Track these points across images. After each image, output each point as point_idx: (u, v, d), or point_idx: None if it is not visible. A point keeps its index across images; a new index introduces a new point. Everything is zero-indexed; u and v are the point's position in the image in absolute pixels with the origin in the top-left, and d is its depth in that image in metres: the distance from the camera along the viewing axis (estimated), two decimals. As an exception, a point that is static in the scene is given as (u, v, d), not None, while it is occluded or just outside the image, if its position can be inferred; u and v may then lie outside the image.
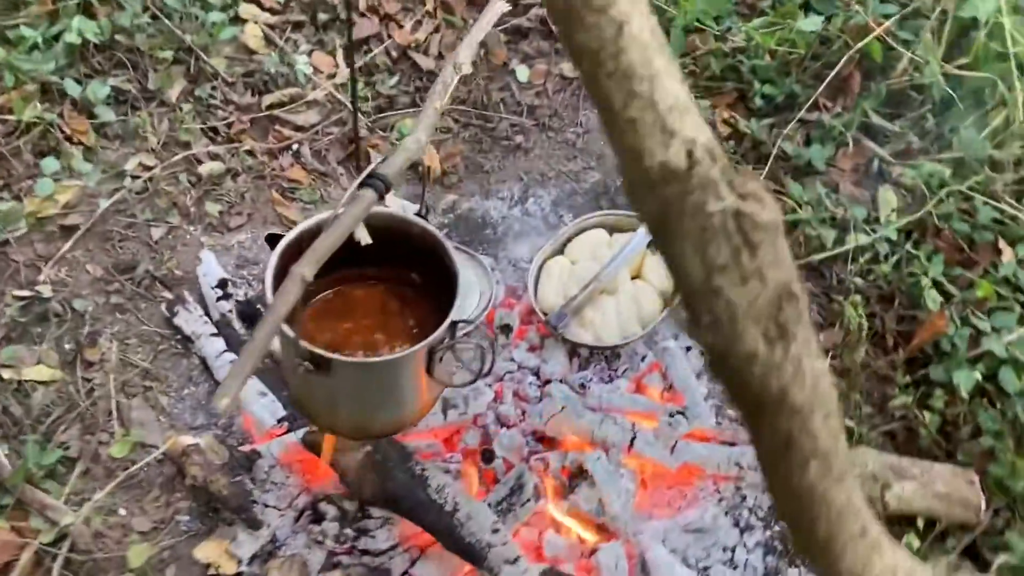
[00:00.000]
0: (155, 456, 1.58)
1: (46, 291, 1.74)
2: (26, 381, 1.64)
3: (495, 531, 1.51)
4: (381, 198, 1.19)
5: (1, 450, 1.55)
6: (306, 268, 1.04)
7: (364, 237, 1.18)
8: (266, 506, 1.58)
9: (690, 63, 2.27)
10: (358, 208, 1.15)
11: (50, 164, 1.88)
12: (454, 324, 1.32)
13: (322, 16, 2.28)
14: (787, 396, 0.59)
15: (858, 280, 1.93)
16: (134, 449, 1.59)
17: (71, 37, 1.98)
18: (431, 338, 1.25)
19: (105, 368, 1.67)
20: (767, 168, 2.05)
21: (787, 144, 2.08)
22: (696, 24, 2.28)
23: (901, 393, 1.75)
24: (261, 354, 0.97)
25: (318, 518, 1.56)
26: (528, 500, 1.61)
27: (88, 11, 2.06)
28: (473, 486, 1.64)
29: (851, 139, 2.11)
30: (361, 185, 1.18)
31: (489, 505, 1.58)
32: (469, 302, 1.91)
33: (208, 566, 1.50)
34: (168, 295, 1.80)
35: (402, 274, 1.45)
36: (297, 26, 2.29)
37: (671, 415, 1.72)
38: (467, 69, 1.37)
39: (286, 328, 1.15)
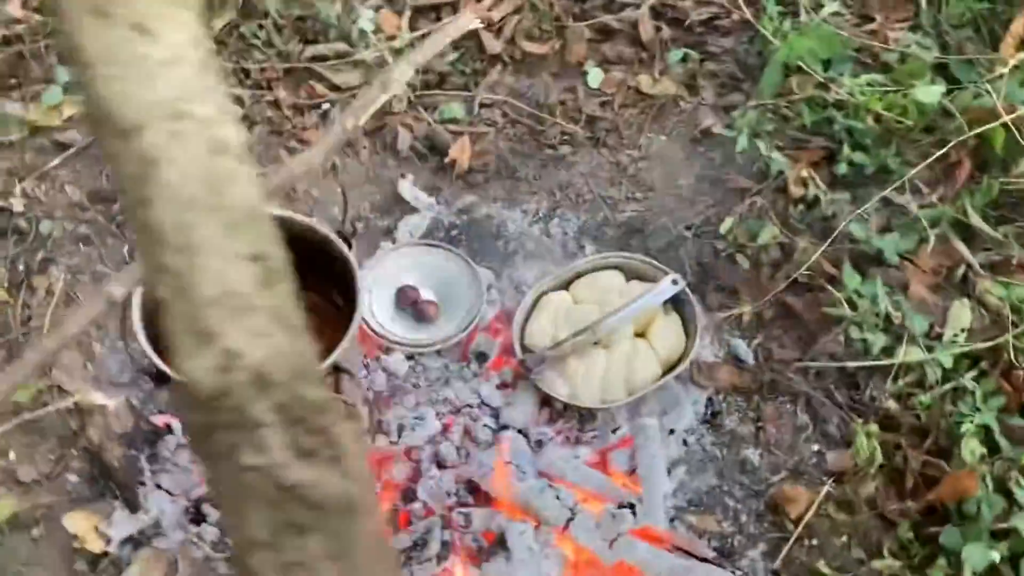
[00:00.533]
0: (63, 406, 1.49)
1: (17, 204, 1.67)
2: (-35, 294, 1.58)
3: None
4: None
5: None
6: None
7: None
8: (158, 487, 1.47)
9: (782, 106, 1.99)
10: None
11: (64, 74, 1.80)
12: (337, 370, 1.14)
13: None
14: None
15: (892, 403, 1.64)
16: (44, 393, 1.50)
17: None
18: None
19: (48, 300, 1.59)
20: (826, 245, 1.76)
21: (859, 225, 1.78)
22: (799, 63, 1.99)
23: (893, 553, 1.47)
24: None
25: (200, 518, 1.43)
26: (430, 558, 1.43)
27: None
28: (378, 526, 1.49)
29: (938, 235, 1.79)
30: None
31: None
32: (452, 315, 1.74)
33: (75, 537, 1.40)
34: (137, 237, 1.70)
35: (326, 293, 1.29)
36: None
37: (620, 505, 1.51)
38: (397, 89, 1.16)
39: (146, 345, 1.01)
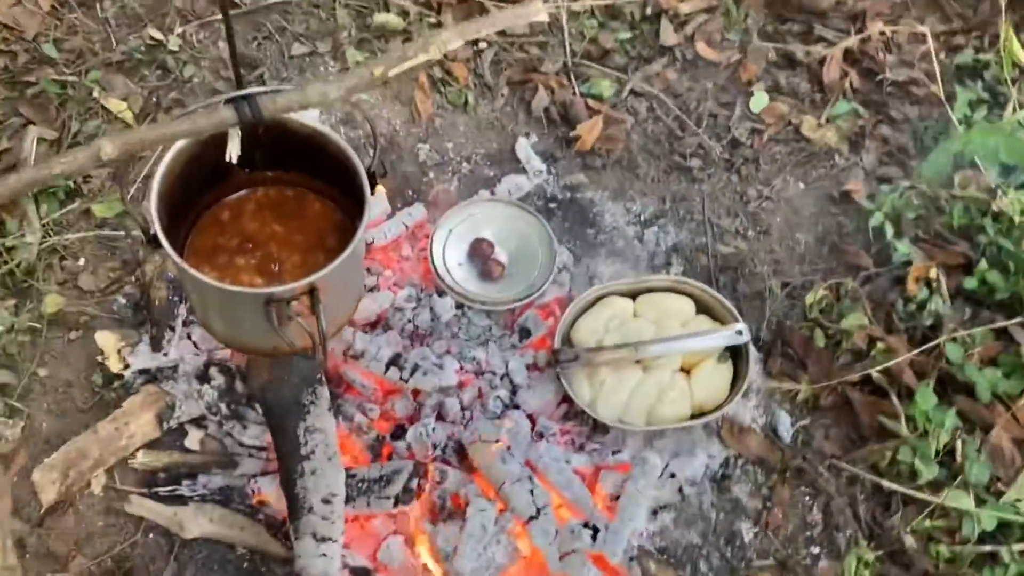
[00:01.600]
0: (135, 235, 1.61)
1: (173, 43, 1.79)
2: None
3: (326, 501, 1.40)
4: (242, 124, 1.03)
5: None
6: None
7: (234, 152, 1.04)
8: (188, 337, 1.58)
9: (939, 197, 1.83)
10: (204, 120, 1.01)
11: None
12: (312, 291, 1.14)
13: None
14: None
15: (912, 541, 1.51)
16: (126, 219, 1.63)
17: None
18: (278, 289, 1.11)
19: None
20: (915, 353, 1.62)
21: (957, 348, 1.62)
22: (974, 159, 1.81)
23: None
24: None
25: (208, 379, 1.52)
26: (392, 497, 1.46)
27: None
28: (356, 450, 1.53)
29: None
30: (230, 102, 1.03)
31: (355, 477, 1.47)
32: (515, 281, 1.73)
33: (101, 352, 1.53)
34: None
35: (315, 182, 1.30)
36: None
37: (585, 524, 1.48)
38: (436, 54, 1.14)
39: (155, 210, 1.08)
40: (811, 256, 1.82)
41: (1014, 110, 1.93)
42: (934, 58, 1.91)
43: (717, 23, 2.07)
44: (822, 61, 2.02)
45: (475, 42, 1.98)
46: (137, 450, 1.48)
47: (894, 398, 1.59)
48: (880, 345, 1.63)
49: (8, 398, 1.49)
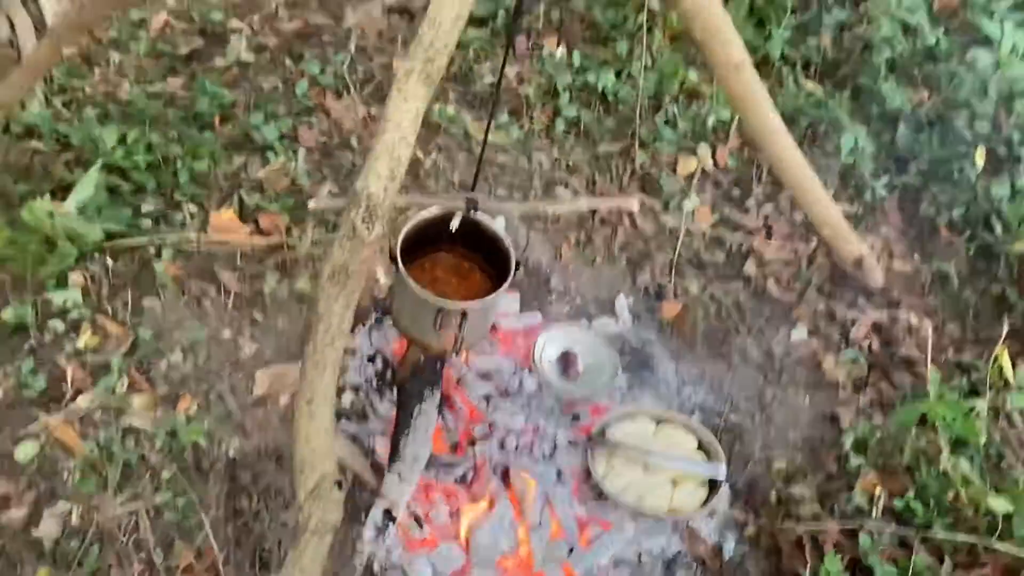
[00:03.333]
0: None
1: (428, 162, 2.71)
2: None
3: (414, 459, 2.14)
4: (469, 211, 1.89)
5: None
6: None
7: (455, 225, 1.88)
8: (369, 332, 2.40)
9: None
10: (450, 201, 1.87)
11: None
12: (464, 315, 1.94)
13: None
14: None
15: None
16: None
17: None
18: (447, 303, 1.92)
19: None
20: (837, 531, 2.24)
21: (866, 537, 2.23)
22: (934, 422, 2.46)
23: None
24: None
25: (372, 360, 2.34)
26: (453, 478, 2.20)
27: None
28: (442, 442, 2.28)
29: None
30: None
31: (434, 457, 2.21)
32: (583, 384, 2.48)
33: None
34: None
35: (485, 264, 2.13)
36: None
37: (568, 547, 2.16)
38: (579, 208, 1.94)
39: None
40: (794, 447, 2.48)
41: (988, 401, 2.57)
42: (929, 349, 2.60)
43: (789, 272, 2.84)
44: (854, 321, 2.74)
45: (614, 228, 2.83)
46: (312, 389, 2.30)
47: (808, 558, 2.21)
48: (810, 511, 2.27)
49: (253, 330, 2.36)
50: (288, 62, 2.97)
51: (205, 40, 2.99)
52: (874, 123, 3.19)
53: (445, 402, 2.36)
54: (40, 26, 2.63)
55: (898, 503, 2.33)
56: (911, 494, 2.33)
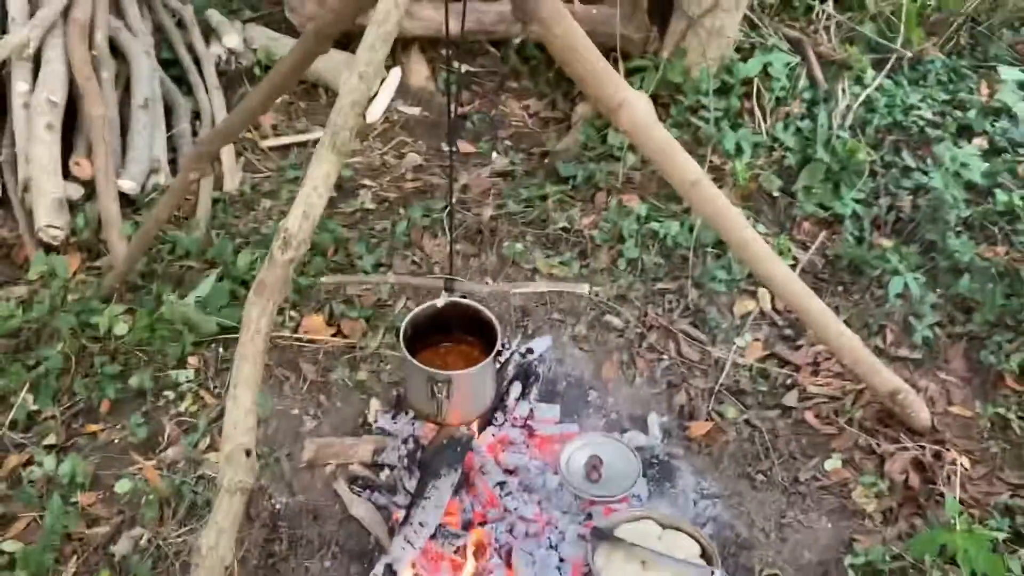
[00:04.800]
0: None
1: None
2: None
3: (422, 525, 2.42)
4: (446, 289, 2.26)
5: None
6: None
7: (440, 303, 2.25)
8: (410, 418, 2.76)
9: None
10: (430, 282, 2.25)
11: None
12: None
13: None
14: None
15: None
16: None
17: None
18: (433, 371, 2.27)
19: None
20: None
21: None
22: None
23: None
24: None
25: (406, 442, 2.68)
26: (456, 548, 2.44)
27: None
28: (454, 516, 2.53)
29: None
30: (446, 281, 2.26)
31: (443, 527, 2.47)
32: (604, 487, 2.67)
33: (367, 409, 2.78)
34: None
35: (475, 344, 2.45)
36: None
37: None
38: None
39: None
40: (805, 568, 2.49)
41: None
42: (958, 483, 2.55)
43: (831, 406, 2.91)
44: (893, 455, 2.74)
45: (660, 354, 3.06)
46: (355, 462, 2.67)
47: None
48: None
49: (317, 410, 2.80)
50: (401, 211, 3.57)
51: (339, 192, 3.68)
52: (942, 275, 3.26)
53: (467, 486, 2.63)
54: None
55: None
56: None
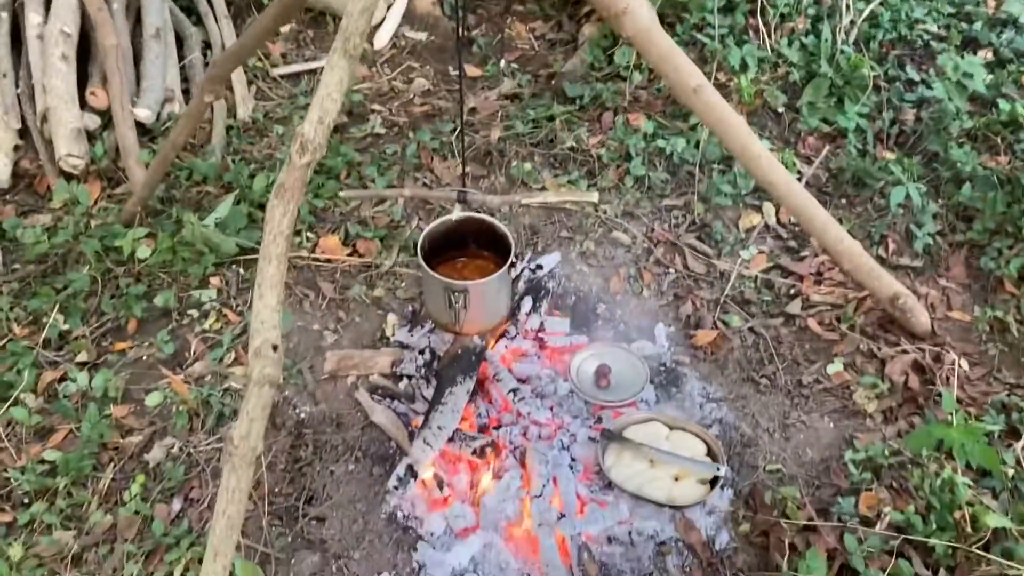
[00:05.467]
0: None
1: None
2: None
3: (440, 428, 2.54)
4: (460, 201, 2.33)
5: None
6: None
7: (456, 216, 2.33)
8: (427, 331, 2.87)
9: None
10: (441, 193, 2.32)
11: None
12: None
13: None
14: None
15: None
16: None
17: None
18: (450, 282, 2.36)
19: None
20: (822, 526, 2.34)
21: (851, 538, 2.31)
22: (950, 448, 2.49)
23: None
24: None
25: (423, 352, 2.78)
26: (473, 450, 2.56)
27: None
28: (471, 421, 2.65)
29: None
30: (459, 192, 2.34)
31: (460, 431, 2.59)
32: (613, 393, 2.78)
33: (386, 323, 2.89)
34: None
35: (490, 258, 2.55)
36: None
37: (560, 514, 2.43)
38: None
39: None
40: (808, 465, 2.60)
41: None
42: (955, 380, 2.64)
43: (834, 313, 2.99)
44: (894, 358, 2.83)
45: (666, 268, 3.14)
46: (375, 373, 2.78)
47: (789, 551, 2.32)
48: (796, 511, 2.39)
49: (337, 325, 2.90)
50: (411, 134, 3.63)
51: (350, 118, 3.73)
52: (944, 185, 3.31)
53: (481, 393, 2.74)
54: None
55: (897, 516, 2.38)
56: (911, 508, 2.38)
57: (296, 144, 1.69)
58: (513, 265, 2.43)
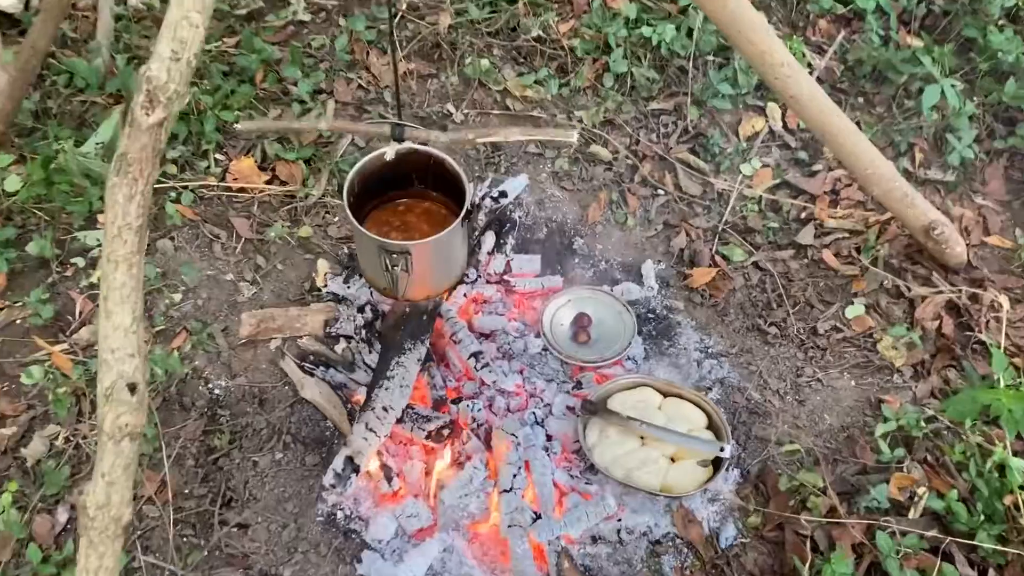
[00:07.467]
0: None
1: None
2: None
3: (385, 410, 2.06)
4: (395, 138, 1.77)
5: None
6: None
7: (389, 156, 1.78)
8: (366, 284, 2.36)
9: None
10: (374, 128, 1.76)
11: None
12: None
13: None
14: None
15: None
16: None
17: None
18: (387, 242, 1.83)
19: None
20: (850, 522, 1.95)
21: (885, 537, 1.92)
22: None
23: None
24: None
25: (362, 311, 2.28)
26: (426, 432, 2.10)
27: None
28: (424, 396, 2.19)
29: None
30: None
31: (413, 409, 2.12)
32: (594, 350, 2.31)
33: (315, 271, 2.36)
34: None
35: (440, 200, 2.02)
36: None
37: (535, 514, 2.00)
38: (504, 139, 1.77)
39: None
40: (827, 435, 2.19)
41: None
42: (1004, 332, 2.21)
43: (852, 242, 2.52)
44: (924, 299, 2.38)
45: (654, 189, 2.62)
46: (304, 335, 2.27)
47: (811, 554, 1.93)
48: (828, 504, 1.98)
49: (255, 274, 2.37)
50: (341, 22, 2.98)
51: (266, 2, 3.06)
52: (981, 80, 2.78)
53: (436, 358, 2.27)
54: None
55: (937, 504, 2.00)
56: (953, 494, 1.99)
57: (141, 95, 1.12)
58: (470, 215, 1.89)
